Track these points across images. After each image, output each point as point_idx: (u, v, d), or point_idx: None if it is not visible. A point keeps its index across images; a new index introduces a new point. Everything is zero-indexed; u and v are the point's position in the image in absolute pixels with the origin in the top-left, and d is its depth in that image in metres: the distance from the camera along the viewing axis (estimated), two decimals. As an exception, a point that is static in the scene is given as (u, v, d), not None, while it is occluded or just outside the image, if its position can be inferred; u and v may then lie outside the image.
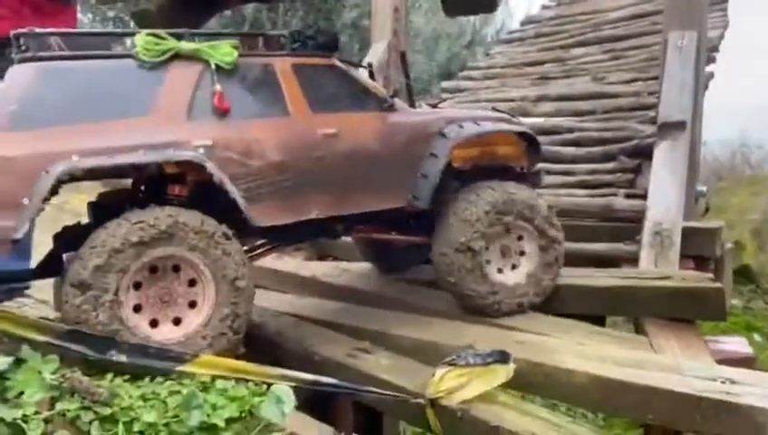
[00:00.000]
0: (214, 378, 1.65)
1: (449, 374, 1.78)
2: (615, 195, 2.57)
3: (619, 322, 2.55)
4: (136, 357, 1.66)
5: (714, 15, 3.59)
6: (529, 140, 2.23)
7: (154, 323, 1.68)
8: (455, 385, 1.75)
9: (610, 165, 2.78)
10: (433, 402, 1.75)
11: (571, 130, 3.14)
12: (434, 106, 2.40)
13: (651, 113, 2.82)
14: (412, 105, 2.29)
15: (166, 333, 1.68)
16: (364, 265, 2.50)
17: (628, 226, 2.32)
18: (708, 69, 3.15)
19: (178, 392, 1.64)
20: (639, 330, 1.91)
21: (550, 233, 1.99)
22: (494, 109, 2.58)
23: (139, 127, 1.74)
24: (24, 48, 1.76)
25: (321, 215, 1.97)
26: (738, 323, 5.02)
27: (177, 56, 1.84)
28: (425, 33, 11.70)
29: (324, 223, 1.98)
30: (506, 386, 1.75)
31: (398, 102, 2.16)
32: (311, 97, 2.02)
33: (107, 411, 1.57)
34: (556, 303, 1.99)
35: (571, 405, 2.20)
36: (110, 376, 1.69)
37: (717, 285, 1.71)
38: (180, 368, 1.66)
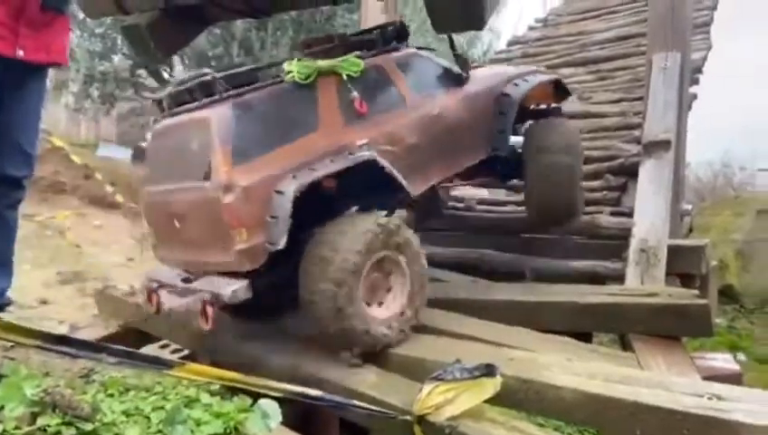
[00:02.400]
0: (200, 387, 1.65)
1: (436, 390, 1.77)
2: (601, 212, 2.59)
3: (605, 340, 2.56)
4: (125, 361, 1.65)
5: (697, 38, 3.67)
6: (557, 85, 2.75)
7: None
8: (442, 401, 1.74)
9: (597, 183, 2.81)
10: (420, 419, 1.74)
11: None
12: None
13: (636, 133, 2.87)
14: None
15: (377, 315, 1.90)
16: None
17: (614, 243, 2.34)
18: (692, 90, 3.22)
19: (162, 408, 1.62)
20: (626, 347, 1.92)
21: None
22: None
23: (318, 140, 1.99)
24: (195, 95, 1.94)
25: (437, 180, 2.40)
26: (723, 342, 5.06)
27: (319, 74, 2.06)
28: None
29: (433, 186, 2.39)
30: (496, 403, 1.75)
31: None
32: (413, 85, 2.36)
33: (89, 427, 1.54)
34: (544, 320, 1.99)
35: (560, 421, 2.19)
36: (92, 391, 1.68)
37: (703, 301, 1.72)
38: (168, 372, 1.64)
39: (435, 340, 1.94)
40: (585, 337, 2.23)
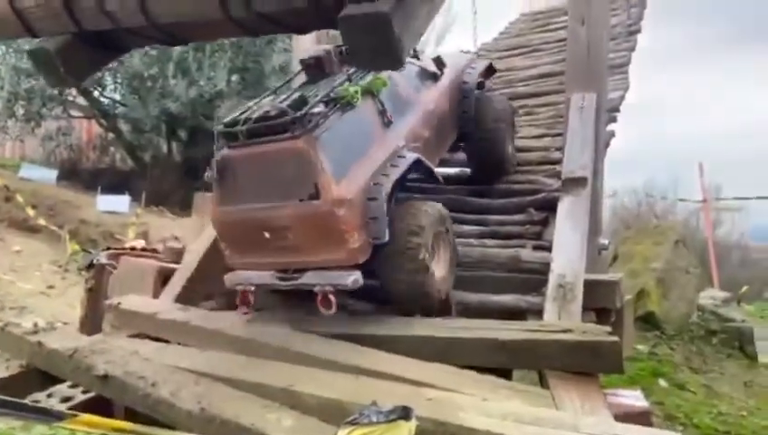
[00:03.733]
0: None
1: (352, 434, 1.73)
2: (524, 246, 2.63)
3: (525, 373, 2.57)
4: (12, 413, 1.53)
5: (615, 78, 3.84)
6: (489, 67, 3.51)
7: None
8: (357, 445, 1.69)
9: (520, 217, 2.86)
10: (335, 464, 1.68)
11: (485, 181, 3.23)
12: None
13: (557, 168, 2.95)
14: None
15: (436, 271, 2.32)
16: (273, 315, 2.44)
17: (536, 277, 2.37)
18: (610, 128, 3.34)
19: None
20: (543, 382, 1.94)
21: None
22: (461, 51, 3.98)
23: (377, 150, 2.38)
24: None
25: (438, 159, 2.93)
26: (645, 368, 5.21)
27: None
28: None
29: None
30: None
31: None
32: (412, 87, 2.83)
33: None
34: (464, 356, 1.99)
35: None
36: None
37: (614, 339, 1.75)
38: (58, 425, 1.54)
39: (353, 380, 1.89)
40: (505, 372, 2.25)
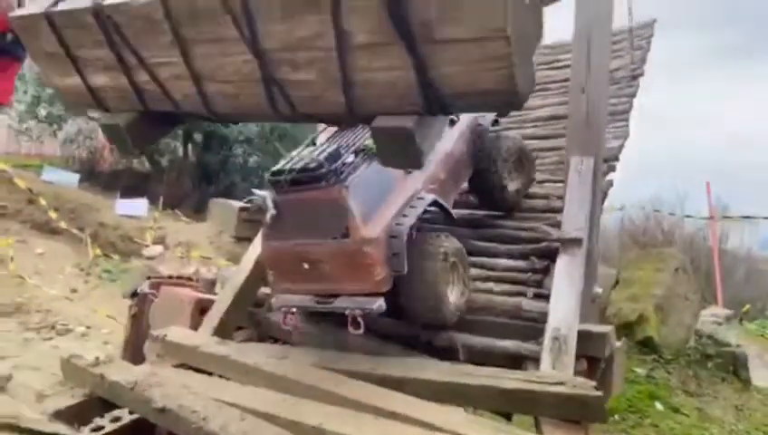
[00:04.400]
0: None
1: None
2: (526, 294, 2.90)
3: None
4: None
5: (616, 126, 4.10)
6: None
7: None
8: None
9: (524, 263, 3.14)
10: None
11: (493, 226, 3.52)
12: None
13: (559, 217, 3.21)
14: None
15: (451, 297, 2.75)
16: (302, 351, 2.76)
17: (535, 326, 2.65)
18: (609, 178, 3.62)
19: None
20: (538, 427, 2.23)
21: None
22: None
23: (398, 195, 2.80)
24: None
25: (453, 196, 3.34)
26: (642, 391, 5.47)
27: None
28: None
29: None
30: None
31: None
32: None
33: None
34: (469, 400, 2.28)
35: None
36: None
37: (598, 394, 2.04)
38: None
39: (372, 420, 2.19)
40: (507, 414, 2.54)
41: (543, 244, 3.13)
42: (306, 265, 2.66)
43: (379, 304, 2.62)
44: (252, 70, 1.91)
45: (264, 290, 3.20)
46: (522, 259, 3.16)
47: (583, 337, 2.47)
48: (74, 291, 9.47)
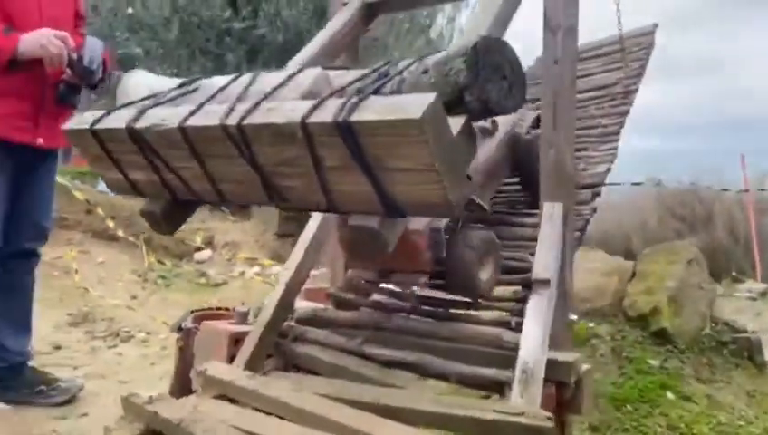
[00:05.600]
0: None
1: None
2: (509, 322, 3.33)
3: None
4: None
5: (604, 148, 4.41)
6: (537, 117, 4.13)
7: None
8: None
9: (511, 292, 3.56)
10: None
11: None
12: None
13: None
14: None
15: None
16: (315, 382, 3.28)
17: (514, 355, 3.08)
18: (593, 205, 3.98)
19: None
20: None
21: None
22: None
23: None
24: None
25: (490, 194, 4.10)
26: (654, 382, 5.80)
27: None
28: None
29: None
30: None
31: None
32: None
33: None
34: (451, 427, 2.74)
35: None
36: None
37: (551, 425, 2.47)
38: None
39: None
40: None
41: (526, 274, 3.55)
42: None
43: (424, 279, 3.55)
44: (253, 177, 2.38)
45: (289, 323, 3.71)
46: (509, 287, 3.58)
47: (552, 365, 2.88)
48: (134, 298, 10.31)
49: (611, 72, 5.33)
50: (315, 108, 2.06)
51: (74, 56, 3.89)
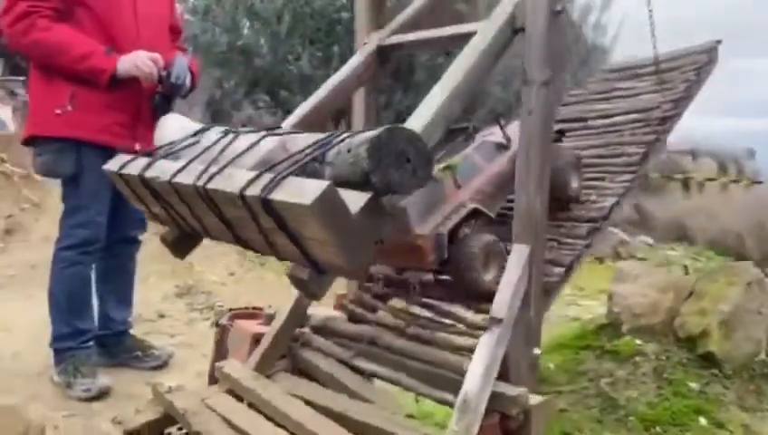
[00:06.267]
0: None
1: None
2: (473, 349, 3.63)
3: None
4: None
5: (621, 180, 4.46)
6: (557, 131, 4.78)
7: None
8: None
9: (480, 319, 3.82)
10: None
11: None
12: None
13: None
14: None
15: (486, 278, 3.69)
16: (307, 388, 3.82)
17: None
18: (587, 241, 4.12)
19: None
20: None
21: None
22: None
23: (449, 204, 3.83)
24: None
25: (499, 205, 4.22)
26: (689, 405, 5.69)
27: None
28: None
29: None
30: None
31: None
32: (483, 157, 4.22)
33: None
34: None
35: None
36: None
37: None
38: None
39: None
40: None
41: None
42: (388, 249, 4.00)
43: (428, 277, 4.09)
44: (222, 225, 2.93)
45: (301, 329, 4.28)
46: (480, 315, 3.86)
47: (497, 397, 3.19)
48: (231, 274, 11.42)
49: (658, 94, 5.24)
50: (251, 182, 2.56)
51: (164, 73, 4.45)
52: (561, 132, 4.88)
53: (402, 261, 4.08)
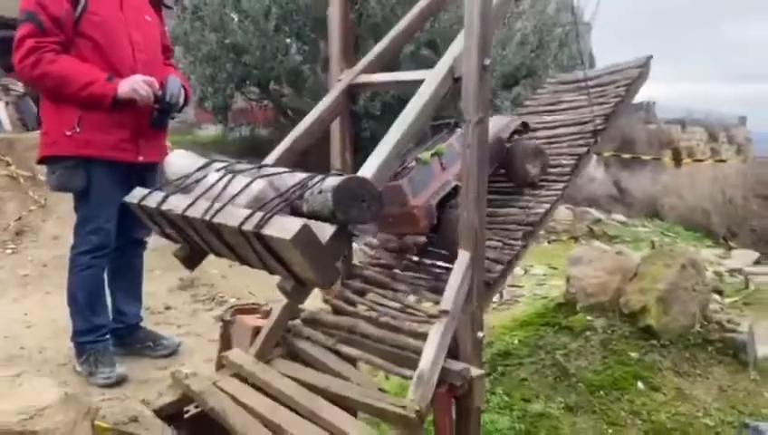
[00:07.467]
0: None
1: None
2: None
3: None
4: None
5: (555, 188, 5.32)
6: (523, 123, 5.88)
7: None
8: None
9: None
10: None
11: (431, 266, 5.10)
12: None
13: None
14: None
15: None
16: (295, 368, 4.72)
17: None
18: (522, 243, 4.99)
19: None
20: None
21: None
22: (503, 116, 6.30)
23: (438, 182, 4.74)
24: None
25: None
26: (629, 372, 6.62)
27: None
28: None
29: None
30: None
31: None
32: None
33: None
34: (360, 409, 4.06)
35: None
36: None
37: (414, 416, 3.67)
38: None
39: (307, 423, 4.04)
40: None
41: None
42: (390, 219, 4.78)
43: (423, 239, 5.06)
44: (225, 248, 3.77)
45: (292, 322, 5.16)
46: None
47: (447, 371, 3.95)
48: (231, 266, 12.23)
49: (597, 107, 5.98)
50: (247, 219, 3.40)
51: (159, 93, 4.93)
52: (525, 125, 5.76)
53: (402, 228, 5.04)
